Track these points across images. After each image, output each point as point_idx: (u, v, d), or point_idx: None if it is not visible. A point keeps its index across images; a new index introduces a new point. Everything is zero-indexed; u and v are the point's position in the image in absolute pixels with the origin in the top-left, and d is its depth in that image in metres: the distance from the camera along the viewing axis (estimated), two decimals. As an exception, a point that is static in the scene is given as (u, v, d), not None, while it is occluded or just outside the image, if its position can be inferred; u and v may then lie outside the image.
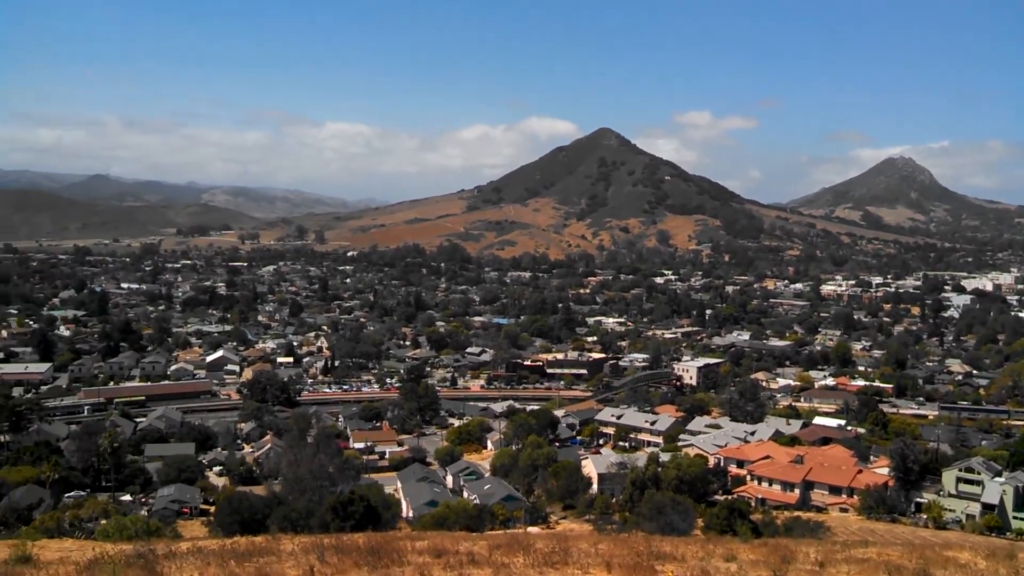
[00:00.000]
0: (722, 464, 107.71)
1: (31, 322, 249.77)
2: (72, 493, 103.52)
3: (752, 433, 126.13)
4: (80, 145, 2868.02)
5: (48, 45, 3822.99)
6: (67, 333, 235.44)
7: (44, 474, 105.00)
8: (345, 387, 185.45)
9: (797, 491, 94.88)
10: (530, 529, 69.93)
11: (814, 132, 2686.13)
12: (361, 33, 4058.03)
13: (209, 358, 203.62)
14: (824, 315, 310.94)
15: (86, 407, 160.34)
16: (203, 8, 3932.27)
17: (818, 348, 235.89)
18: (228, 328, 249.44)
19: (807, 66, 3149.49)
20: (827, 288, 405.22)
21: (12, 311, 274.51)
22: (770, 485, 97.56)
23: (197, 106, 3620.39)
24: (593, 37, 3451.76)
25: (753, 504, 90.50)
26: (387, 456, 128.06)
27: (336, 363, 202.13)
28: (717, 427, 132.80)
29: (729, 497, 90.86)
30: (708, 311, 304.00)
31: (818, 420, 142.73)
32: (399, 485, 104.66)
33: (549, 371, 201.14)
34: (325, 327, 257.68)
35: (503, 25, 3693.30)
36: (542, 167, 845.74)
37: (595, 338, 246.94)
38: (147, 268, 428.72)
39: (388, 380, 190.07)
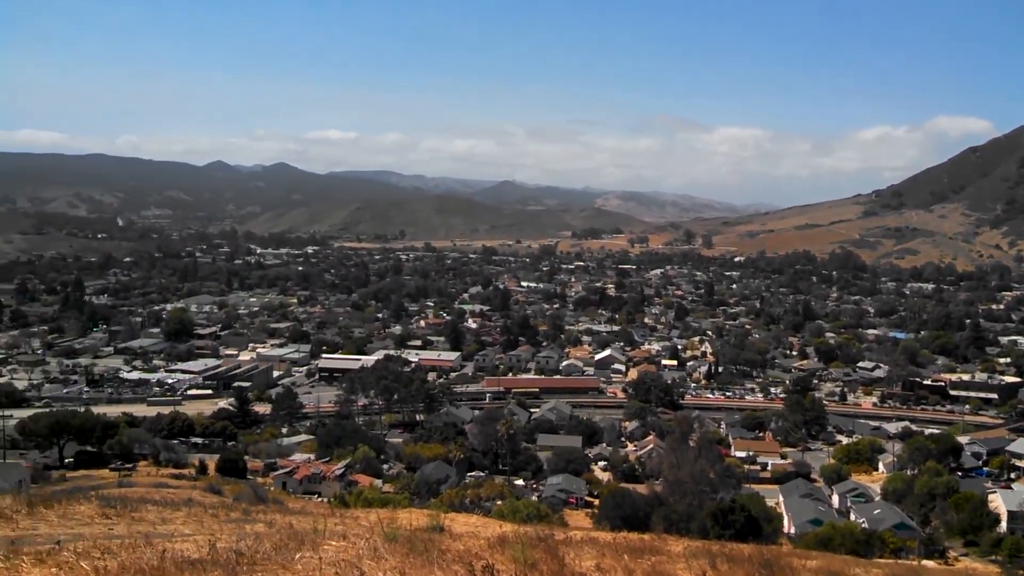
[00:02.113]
0: None
1: (444, 314, 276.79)
2: (473, 473, 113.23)
3: None
4: (490, 154, 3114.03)
5: (466, 66, 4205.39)
6: (474, 326, 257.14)
7: (451, 453, 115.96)
8: (728, 394, 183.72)
9: None
10: (925, 562, 64.69)
11: None
12: (755, 36, 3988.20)
13: (597, 356, 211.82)
14: None
15: (488, 395, 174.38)
16: (600, 21, 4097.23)
17: None
18: (616, 328, 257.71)
19: None
20: None
21: (429, 303, 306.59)
22: None
23: (594, 114, 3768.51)
24: (1014, 23, 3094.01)
25: None
26: (769, 468, 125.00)
27: (719, 369, 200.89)
28: None
29: None
30: None
31: None
32: (781, 499, 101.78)
33: (952, 393, 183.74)
34: (709, 332, 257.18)
35: (908, 20, 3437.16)
36: (950, 169, 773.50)
37: (1008, 359, 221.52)
38: (544, 268, 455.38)
39: (772, 390, 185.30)
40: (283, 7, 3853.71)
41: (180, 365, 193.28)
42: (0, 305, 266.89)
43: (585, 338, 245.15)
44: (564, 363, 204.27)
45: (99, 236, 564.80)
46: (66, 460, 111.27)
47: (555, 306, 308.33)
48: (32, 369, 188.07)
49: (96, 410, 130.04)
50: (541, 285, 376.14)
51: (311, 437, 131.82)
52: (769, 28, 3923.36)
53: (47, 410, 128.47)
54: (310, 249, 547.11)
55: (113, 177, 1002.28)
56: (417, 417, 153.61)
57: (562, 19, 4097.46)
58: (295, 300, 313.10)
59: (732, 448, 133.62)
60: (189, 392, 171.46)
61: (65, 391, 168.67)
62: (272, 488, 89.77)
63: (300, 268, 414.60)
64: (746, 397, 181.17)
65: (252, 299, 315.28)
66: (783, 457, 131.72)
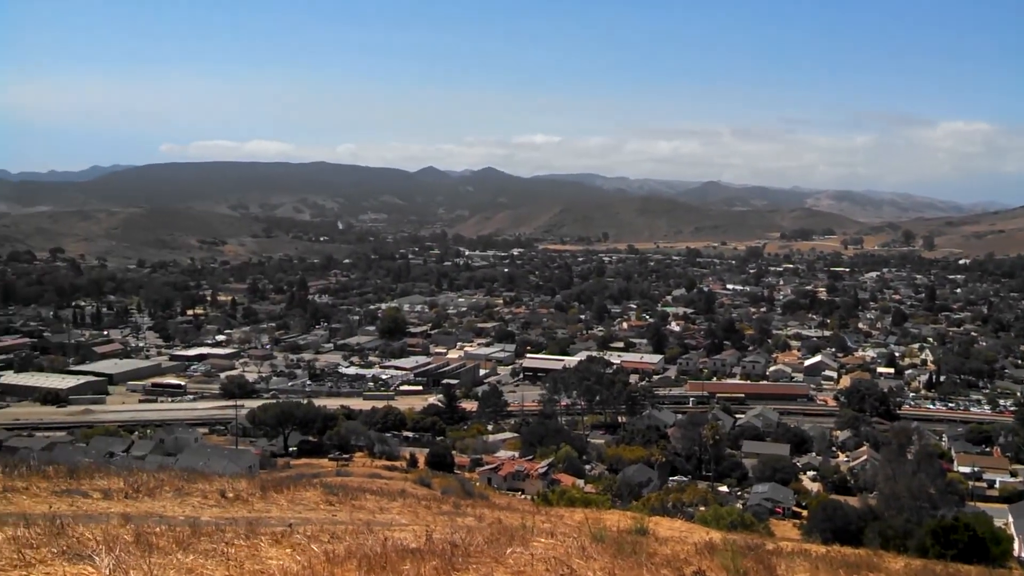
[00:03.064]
0: None
1: (647, 316, 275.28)
2: (675, 477, 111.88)
3: None
4: (694, 154, 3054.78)
5: (670, 68, 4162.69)
6: (677, 328, 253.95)
7: (653, 456, 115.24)
8: (950, 405, 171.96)
9: None
10: None
11: None
12: (979, 26, 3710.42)
13: (807, 362, 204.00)
14: None
15: (691, 399, 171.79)
16: (811, 18, 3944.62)
17: None
18: (827, 333, 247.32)
19: None
20: None
21: (632, 306, 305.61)
22: None
23: (804, 112, 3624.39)
24: None
25: None
26: (997, 486, 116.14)
27: (941, 378, 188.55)
28: None
29: None
30: None
31: None
32: (1010, 520, 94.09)
33: None
34: (930, 339, 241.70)
35: None
36: None
37: None
38: (751, 271, 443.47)
39: (1001, 402, 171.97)
40: (491, 22, 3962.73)
41: (393, 362, 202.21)
42: (234, 303, 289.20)
43: (794, 343, 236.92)
44: (771, 368, 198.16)
45: (321, 239, 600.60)
46: (290, 448, 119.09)
47: (762, 309, 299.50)
48: (261, 363, 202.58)
49: (317, 403, 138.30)
50: (747, 288, 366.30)
51: (515, 435, 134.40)
52: (995, 15, 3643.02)
53: (274, 401, 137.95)
54: (515, 251, 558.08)
55: (334, 183, 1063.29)
56: (619, 419, 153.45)
57: (771, 17, 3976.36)
58: (501, 301, 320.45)
59: (955, 463, 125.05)
60: (401, 388, 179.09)
61: (290, 384, 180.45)
62: (478, 483, 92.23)
63: (506, 270, 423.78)
64: (971, 409, 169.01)
65: (460, 299, 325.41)
66: (1013, 475, 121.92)
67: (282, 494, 20.48)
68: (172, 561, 9.54)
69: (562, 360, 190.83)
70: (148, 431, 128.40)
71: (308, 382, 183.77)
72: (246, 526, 12.55)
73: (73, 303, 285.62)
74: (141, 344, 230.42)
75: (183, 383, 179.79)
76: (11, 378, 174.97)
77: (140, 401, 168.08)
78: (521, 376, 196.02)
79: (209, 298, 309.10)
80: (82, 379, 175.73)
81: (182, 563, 9.52)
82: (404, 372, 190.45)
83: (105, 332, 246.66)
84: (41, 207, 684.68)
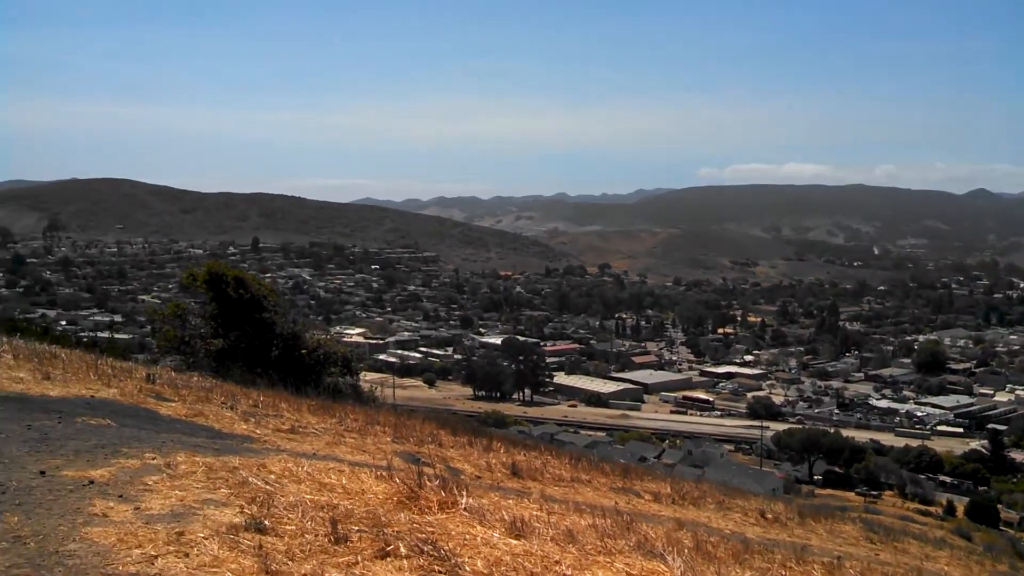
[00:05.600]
0: None
1: None
2: None
3: None
4: None
5: None
6: None
7: None
8: None
9: None
10: None
11: None
12: None
13: None
14: None
15: None
16: None
17: None
18: None
19: None
20: None
21: None
22: None
23: None
24: None
25: None
26: None
27: None
28: None
29: None
30: None
31: None
32: None
33: None
34: None
35: None
36: None
37: None
38: None
39: None
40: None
41: (930, 399, 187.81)
42: (763, 325, 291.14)
43: None
44: None
45: (854, 264, 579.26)
46: (814, 476, 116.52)
47: None
48: (788, 386, 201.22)
49: (844, 433, 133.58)
50: None
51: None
52: None
53: (800, 426, 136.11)
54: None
55: (870, 207, 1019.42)
56: None
57: None
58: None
59: None
60: (938, 427, 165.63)
61: (816, 411, 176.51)
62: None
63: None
64: None
65: (1012, 336, 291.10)
66: None
67: (820, 523, 20.18)
68: (731, 572, 9.92)
69: None
70: (677, 441, 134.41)
71: (835, 411, 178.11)
72: (793, 551, 12.57)
73: (616, 315, 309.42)
74: (674, 358, 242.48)
75: (711, 399, 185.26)
76: (562, 379, 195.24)
77: (671, 412, 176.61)
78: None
79: (739, 318, 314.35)
80: (621, 385, 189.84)
81: (741, 576, 9.86)
82: (942, 411, 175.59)
83: (642, 344, 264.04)
84: (593, 226, 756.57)
